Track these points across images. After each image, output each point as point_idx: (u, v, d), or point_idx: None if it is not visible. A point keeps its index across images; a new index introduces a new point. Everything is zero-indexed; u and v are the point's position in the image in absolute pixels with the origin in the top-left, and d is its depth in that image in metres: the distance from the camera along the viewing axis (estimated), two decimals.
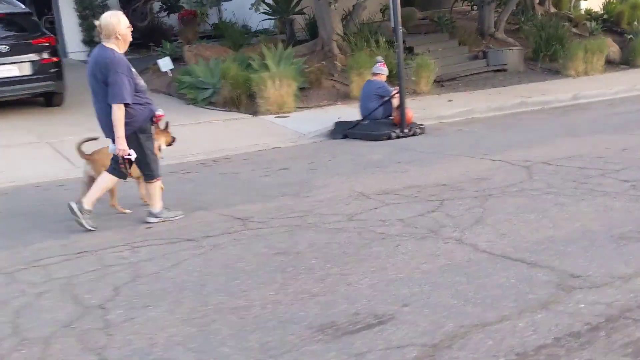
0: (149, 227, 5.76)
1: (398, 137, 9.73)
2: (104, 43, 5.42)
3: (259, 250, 4.93)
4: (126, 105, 5.32)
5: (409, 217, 5.59)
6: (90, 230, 5.60)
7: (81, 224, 5.56)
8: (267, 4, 15.80)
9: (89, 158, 5.93)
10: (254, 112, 12.01)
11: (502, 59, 15.66)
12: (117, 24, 5.37)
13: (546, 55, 16.08)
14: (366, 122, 10.10)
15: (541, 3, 20.66)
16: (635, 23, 17.42)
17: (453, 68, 15.33)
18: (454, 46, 16.25)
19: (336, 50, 14.84)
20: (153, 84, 14.04)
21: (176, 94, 13.19)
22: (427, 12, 19.86)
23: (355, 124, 10.09)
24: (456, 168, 7.37)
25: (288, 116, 11.81)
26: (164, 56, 14.38)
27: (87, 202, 5.59)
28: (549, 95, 12.90)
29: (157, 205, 5.79)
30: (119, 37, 5.39)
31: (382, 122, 10.09)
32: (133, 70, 5.50)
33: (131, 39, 5.55)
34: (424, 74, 13.44)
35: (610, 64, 16.41)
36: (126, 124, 5.36)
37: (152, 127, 5.77)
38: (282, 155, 9.07)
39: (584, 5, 21.24)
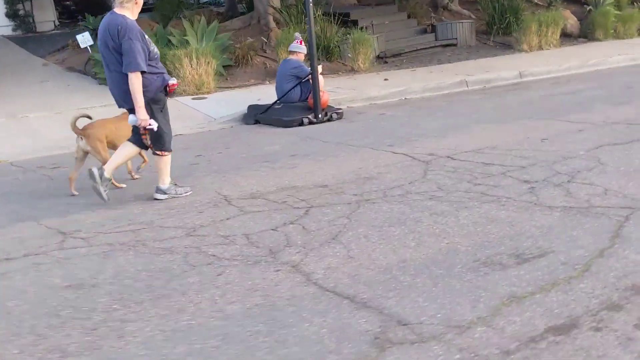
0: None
1: (311, 123, 8.84)
2: (115, 9, 5.24)
3: (51, 282, 4.06)
4: (141, 73, 5.15)
5: (258, 232, 4.72)
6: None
7: (99, 192, 5.40)
8: None
9: (82, 132, 5.81)
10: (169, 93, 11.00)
11: (451, 33, 14.75)
12: None
13: (500, 28, 15.13)
14: (279, 106, 9.18)
15: None
16: None
17: (399, 43, 14.41)
18: (402, 19, 15.31)
19: (272, 24, 13.86)
20: (70, 62, 13.09)
21: (92, 72, 12.17)
22: None
23: (267, 108, 9.17)
24: (351, 163, 6.53)
25: (206, 97, 10.90)
26: (86, 31, 13.31)
27: (108, 170, 5.43)
28: (493, 73, 12.02)
29: (165, 181, 5.58)
30: (138, 3, 5.30)
31: (296, 106, 9.17)
32: (146, 37, 5.32)
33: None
34: (362, 51, 12.52)
35: (568, 37, 15.55)
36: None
37: (166, 97, 5.58)
38: (179, 144, 8.12)
39: None
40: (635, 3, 16.80)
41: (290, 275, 3.94)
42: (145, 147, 5.63)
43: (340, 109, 9.30)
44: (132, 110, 5.37)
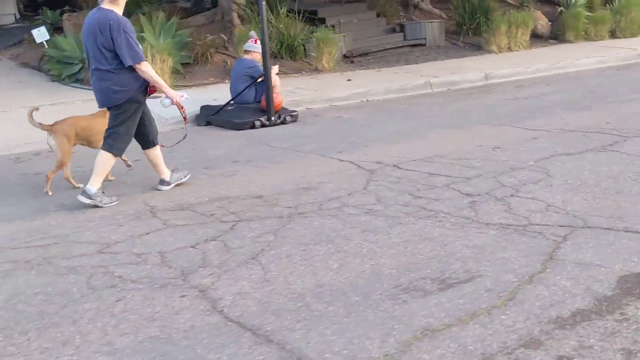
0: None
1: (263, 125, 8.53)
2: (102, 5, 5.20)
3: None
4: (128, 68, 5.20)
5: (175, 250, 4.42)
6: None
7: (106, 205, 5.39)
8: None
9: (49, 128, 5.69)
10: None
11: (420, 33, 14.48)
12: None
13: (470, 28, 14.87)
14: (232, 107, 8.85)
15: None
16: None
17: (367, 42, 14.12)
18: (371, 18, 15.01)
19: (236, 21, 13.52)
20: (25, 57, 12.66)
21: (45, 69, 11.77)
22: None
23: (219, 109, 8.84)
24: (293, 171, 6.25)
25: (159, 97, 10.44)
26: (43, 25, 12.88)
27: (93, 185, 5.37)
28: (459, 75, 11.77)
29: (95, 184, 5.37)
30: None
31: (249, 108, 8.86)
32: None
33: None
34: (326, 50, 12.21)
35: (539, 38, 15.36)
36: (119, 92, 5.22)
37: (145, 98, 5.54)
38: None
39: None
40: (607, 4, 16.59)
41: (195, 302, 3.64)
42: (154, 144, 5.70)
43: (295, 111, 9.00)
44: (112, 109, 5.42)
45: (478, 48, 14.52)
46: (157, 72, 10.22)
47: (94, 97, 5.53)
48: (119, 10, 5.25)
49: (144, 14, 12.14)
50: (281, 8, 12.92)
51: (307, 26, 13.66)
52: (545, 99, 9.44)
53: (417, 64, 13.34)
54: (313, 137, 7.72)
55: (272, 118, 8.60)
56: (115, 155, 5.44)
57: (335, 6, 15.45)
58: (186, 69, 11.66)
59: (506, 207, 4.95)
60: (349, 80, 11.60)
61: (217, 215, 5.10)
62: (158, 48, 10.61)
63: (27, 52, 12.85)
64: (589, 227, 4.47)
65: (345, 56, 13.66)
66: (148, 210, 5.31)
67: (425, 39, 14.66)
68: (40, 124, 5.66)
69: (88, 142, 5.93)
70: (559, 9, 15.94)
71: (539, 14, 15.57)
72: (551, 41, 15.42)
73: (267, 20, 12.61)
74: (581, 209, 4.81)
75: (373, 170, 6.17)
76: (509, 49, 14.36)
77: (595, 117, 7.90)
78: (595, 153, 6.30)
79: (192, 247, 4.48)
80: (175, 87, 10.60)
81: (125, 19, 5.22)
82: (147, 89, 5.45)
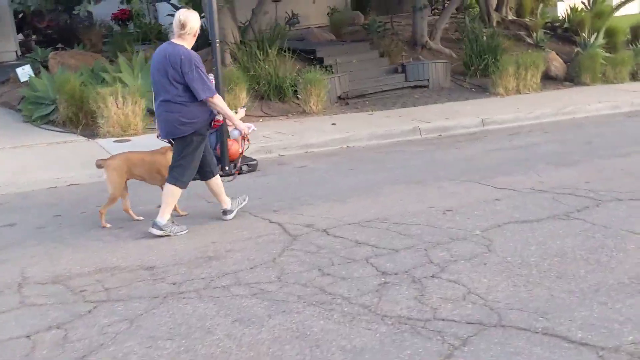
0: None
1: None
2: (173, 40, 5.34)
3: None
4: (198, 101, 5.31)
5: (6, 340, 3.70)
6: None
7: (177, 233, 5.52)
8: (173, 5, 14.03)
9: (102, 163, 5.79)
10: (92, 135, 10.17)
11: (423, 74, 13.73)
12: (196, 22, 5.36)
13: (477, 69, 14.04)
14: None
15: (498, 9, 18.53)
16: (584, 35, 15.26)
17: (365, 83, 13.42)
18: (373, 57, 14.35)
19: (228, 60, 12.93)
20: (7, 96, 12.28)
21: (21, 109, 11.36)
22: (383, 17, 17.74)
23: None
24: (209, 235, 5.66)
25: (129, 140, 9.97)
26: (33, 63, 12.54)
27: (161, 218, 5.46)
28: (453, 120, 10.97)
29: (165, 216, 5.47)
30: (195, 35, 5.38)
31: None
32: None
33: None
34: (314, 92, 11.51)
35: (553, 80, 14.44)
36: (187, 124, 5.30)
37: (208, 132, 5.62)
38: (54, 196, 7.21)
39: (561, 10, 18.91)
40: (632, 44, 15.60)
41: None
42: (213, 174, 5.80)
43: (254, 159, 8.31)
44: (175, 141, 5.52)
45: (484, 90, 13.71)
46: (127, 114, 9.82)
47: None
48: (187, 45, 5.35)
49: (130, 52, 11.65)
50: (271, 48, 12.32)
51: (300, 66, 13.06)
52: (533, 150, 8.57)
53: (414, 106, 12.59)
54: (259, 192, 7.01)
55: (226, 168, 7.90)
56: (180, 187, 5.50)
57: (337, 45, 14.87)
58: None
59: (418, 293, 4.15)
60: (333, 124, 10.89)
61: (86, 293, 4.42)
62: (129, 89, 10.06)
63: (11, 90, 12.50)
64: (502, 326, 3.64)
65: (340, 98, 12.98)
66: (17, 283, 4.66)
67: (428, 80, 13.89)
68: (100, 159, 5.86)
69: (142, 178, 5.94)
70: (576, 50, 14.98)
71: (553, 54, 14.67)
72: (566, 83, 14.49)
73: (259, 59, 12.17)
74: (504, 299, 3.98)
75: (297, 235, 5.42)
76: (517, 92, 13.49)
77: (577, 174, 7.03)
78: (556, 221, 5.45)
79: (27, 337, 3.78)
80: (149, 130, 10.10)
81: (196, 54, 5.32)
82: (212, 122, 5.60)
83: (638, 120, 10.66)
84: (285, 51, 12.51)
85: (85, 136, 10.18)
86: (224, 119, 5.98)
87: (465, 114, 11.40)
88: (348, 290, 4.25)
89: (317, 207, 6.31)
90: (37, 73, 11.82)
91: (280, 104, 12.12)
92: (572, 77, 14.39)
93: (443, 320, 3.76)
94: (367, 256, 4.87)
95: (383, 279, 4.41)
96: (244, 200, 6.07)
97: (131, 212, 5.98)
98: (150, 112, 10.48)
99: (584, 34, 15.30)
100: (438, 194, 6.57)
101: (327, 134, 10.20)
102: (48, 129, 10.59)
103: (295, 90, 11.80)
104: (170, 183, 5.48)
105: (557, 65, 14.44)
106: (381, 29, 16.06)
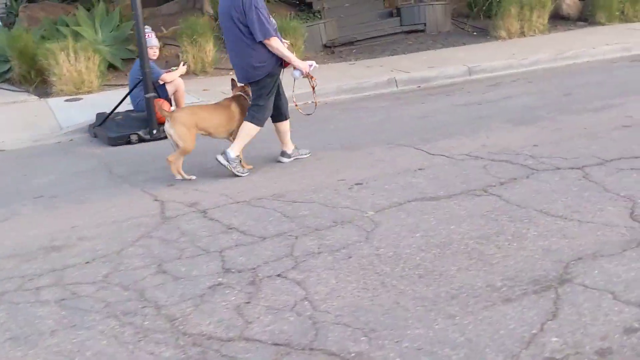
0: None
1: (142, 140, 7.19)
2: None
3: None
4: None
5: None
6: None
7: (236, 174, 5.58)
8: None
9: (169, 115, 5.67)
10: (45, 94, 9.63)
11: (419, 17, 12.74)
12: None
13: (481, 10, 12.90)
14: (118, 117, 7.57)
15: None
16: None
17: (356, 29, 12.54)
18: (367, 1, 13.26)
19: (207, 8, 12.20)
20: None
21: None
22: None
23: (104, 119, 7.58)
24: (76, 217, 5.11)
25: (81, 99, 9.44)
26: (7, 16, 12.01)
27: (234, 150, 5.57)
28: (437, 69, 10.12)
29: (236, 149, 5.59)
30: None
31: (137, 118, 7.55)
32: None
33: None
34: (291, 42, 10.56)
35: (565, 20, 13.20)
36: (259, 67, 5.37)
37: (280, 70, 5.63)
38: None
39: None
40: None
41: None
42: (286, 117, 5.82)
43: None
44: (252, 84, 5.58)
45: (486, 34, 12.59)
46: (79, 71, 9.20)
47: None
48: None
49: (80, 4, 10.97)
50: None
51: (288, 12, 12.22)
52: (501, 104, 7.67)
53: (404, 54, 11.64)
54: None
55: (154, 131, 7.24)
56: (257, 125, 5.56)
57: None
58: (128, 66, 10.44)
59: (246, 300, 3.48)
60: None
61: None
62: (82, 44, 9.44)
63: None
64: (310, 350, 2.97)
65: (326, 46, 12.08)
66: None
67: (425, 24, 12.82)
68: (163, 110, 5.89)
69: (208, 133, 5.77)
70: None
71: None
72: (580, 23, 13.23)
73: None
74: (338, 309, 3.32)
75: (170, 218, 4.80)
76: (522, 34, 12.38)
77: (530, 134, 6.16)
78: (467, 198, 4.66)
79: None
80: (106, 87, 9.56)
81: None
82: (282, 62, 5.55)
83: (629, 67, 9.50)
84: None
85: (38, 95, 9.63)
86: (281, 60, 5.66)
87: (453, 62, 10.45)
88: (170, 295, 3.59)
89: (218, 181, 5.61)
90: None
91: None
92: (586, 17, 13.06)
93: (247, 340, 3.08)
94: (227, 246, 4.19)
95: (219, 279, 3.73)
96: (307, 153, 6.04)
97: (172, 166, 5.74)
98: (112, 66, 9.92)
99: None
100: (361, 162, 5.81)
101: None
102: (2, 88, 10.06)
103: None
104: (247, 120, 5.54)
105: (569, 3, 13.19)
106: None
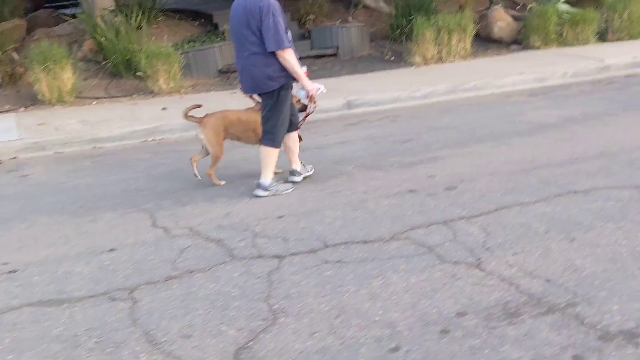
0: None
1: None
2: None
3: None
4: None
5: None
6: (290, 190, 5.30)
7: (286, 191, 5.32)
8: None
9: (198, 120, 5.49)
10: None
11: (332, 40, 11.56)
12: None
13: (403, 32, 11.73)
14: None
15: None
16: None
17: None
18: None
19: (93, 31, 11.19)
20: None
21: None
22: None
23: None
24: None
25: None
26: None
27: (264, 178, 5.28)
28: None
29: (268, 175, 5.26)
30: None
31: None
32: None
33: None
34: (162, 67, 9.62)
35: (497, 43, 11.93)
36: (275, 77, 5.02)
37: (294, 84, 5.23)
38: None
39: None
40: None
41: None
42: (296, 127, 5.46)
43: None
44: (265, 96, 5.17)
45: (402, 59, 11.38)
46: None
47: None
48: None
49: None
50: (137, 13, 10.51)
51: (194, 33, 11.28)
52: (323, 153, 6.46)
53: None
54: None
55: None
56: (277, 147, 5.25)
57: None
58: None
59: None
60: (164, 109, 9.01)
61: None
62: None
63: None
64: None
65: (221, 71, 11.01)
66: None
67: (338, 47, 11.66)
68: (191, 116, 5.46)
69: (237, 138, 5.66)
70: (529, 6, 12.35)
71: (499, 12, 12.10)
72: (513, 47, 11.96)
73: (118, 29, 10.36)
74: None
75: None
76: (440, 60, 11.10)
77: (277, 205, 4.95)
78: (98, 301, 3.48)
79: None
80: None
81: (276, 2, 4.93)
82: None
83: (533, 102, 8.22)
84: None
85: None
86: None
87: (339, 93, 9.32)
88: None
89: None
90: None
91: (133, 81, 10.31)
92: (520, 40, 11.81)
93: None
94: None
95: None
96: (311, 170, 5.70)
97: (194, 165, 5.68)
98: None
99: None
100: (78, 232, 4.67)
101: (135, 124, 8.36)
102: None
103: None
104: (267, 145, 5.22)
105: (502, 25, 11.91)
106: None
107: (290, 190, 5.30)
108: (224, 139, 5.57)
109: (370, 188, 5.24)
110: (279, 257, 4.01)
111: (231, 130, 5.57)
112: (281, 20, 4.97)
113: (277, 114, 5.16)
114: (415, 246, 4.02)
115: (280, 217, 4.71)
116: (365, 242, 4.16)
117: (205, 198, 5.32)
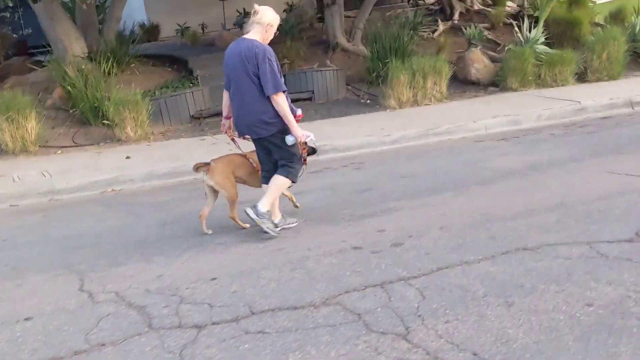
0: None
1: None
2: (246, 36, 5.07)
3: None
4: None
5: None
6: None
7: (265, 231, 5.21)
8: None
9: (204, 167, 5.44)
10: None
11: (306, 84, 11.41)
12: (269, 15, 5.08)
13: (378, 76, 11.60)
14: None
15: None
16: (524, 26, 12.47)
17: None
18: None
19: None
20: None
21: None
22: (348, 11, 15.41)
23: None
24: None
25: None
26: None
27: (263, 204, 5.20)
28: None
29: (266, 205, 5.22)
30: (270, 29, 5.10)
31: None
32: None
33: None
34: (130, 115, 9.45)
35: (474, 85, 11.78)
36: (272, 123, 5.01)
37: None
38: None
39: None
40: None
41: None
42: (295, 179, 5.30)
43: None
44: (264, 141, 5.16)
45: (377, 102, 11.23)
46: None
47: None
48: (260, 39, 5.05)
49: None
50: (110, 61, 10.41)
51: (169, 79, 11.14)
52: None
53: None
54: None
55: None
56: (291, 180, 5.23)
57: (219, 53, 12.64)
58: None
59: None
60: (127, 157, 8.81)
61: None
62: None
63: None
64: None
65: (194, 117, 10.85)
66: None
67: (312, 91, 11.51)
68: (200, 166, 5.45)
69: (243, 181, 5.60)
70: (507, 47, 12.23)
71: (476, 54, 11.98)
72: (491, 89, 11.80)
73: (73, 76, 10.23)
74: None
75: None
76: (415, 103, 10.94)
77: (215, 265, 4.71)
78: None
79: None
80: None
81: (270, 48, 4.99)
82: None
83: (488, 149, 8.04)
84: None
85: None
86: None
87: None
88: None
89: None
90: None
91: (104, 129, 10.15)
92: (497, 82, 11.66)
93: None
94: None
95: None
96: (293, 223, 5.52)
97: (204, 221, 5.59)
98: None
99: (524, 26, 12.48)
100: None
101: (95, 174, 8.15)
102: None
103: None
104: (281, 175, 5.19)
105: (479, 67, 11.77)
106: (294, 30, 13.77)
107: (274, 233, 5.25)
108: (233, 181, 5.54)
109: (315, 245, 4.99)
110: (199, 327, 3.75)
111: (237, 173, 5.52)
112: (276, 64, 4.98)
113: (285, 151, 5.16)
114: (345, 312, 3.77)
115: (213, 279, 4.46)
116: (295, 308, 3.90)
117: (143, 257, 5.07)
